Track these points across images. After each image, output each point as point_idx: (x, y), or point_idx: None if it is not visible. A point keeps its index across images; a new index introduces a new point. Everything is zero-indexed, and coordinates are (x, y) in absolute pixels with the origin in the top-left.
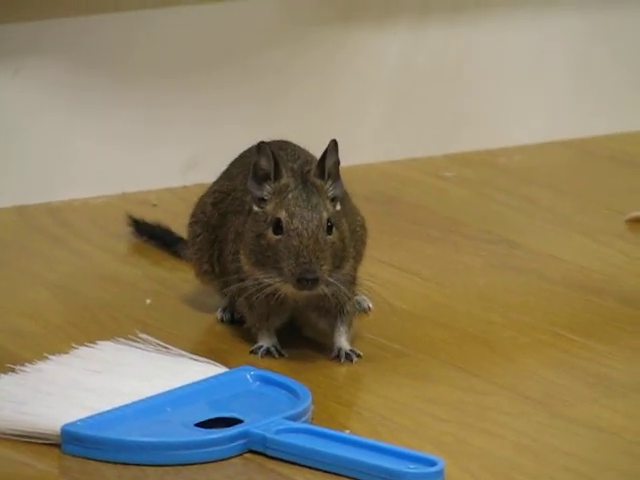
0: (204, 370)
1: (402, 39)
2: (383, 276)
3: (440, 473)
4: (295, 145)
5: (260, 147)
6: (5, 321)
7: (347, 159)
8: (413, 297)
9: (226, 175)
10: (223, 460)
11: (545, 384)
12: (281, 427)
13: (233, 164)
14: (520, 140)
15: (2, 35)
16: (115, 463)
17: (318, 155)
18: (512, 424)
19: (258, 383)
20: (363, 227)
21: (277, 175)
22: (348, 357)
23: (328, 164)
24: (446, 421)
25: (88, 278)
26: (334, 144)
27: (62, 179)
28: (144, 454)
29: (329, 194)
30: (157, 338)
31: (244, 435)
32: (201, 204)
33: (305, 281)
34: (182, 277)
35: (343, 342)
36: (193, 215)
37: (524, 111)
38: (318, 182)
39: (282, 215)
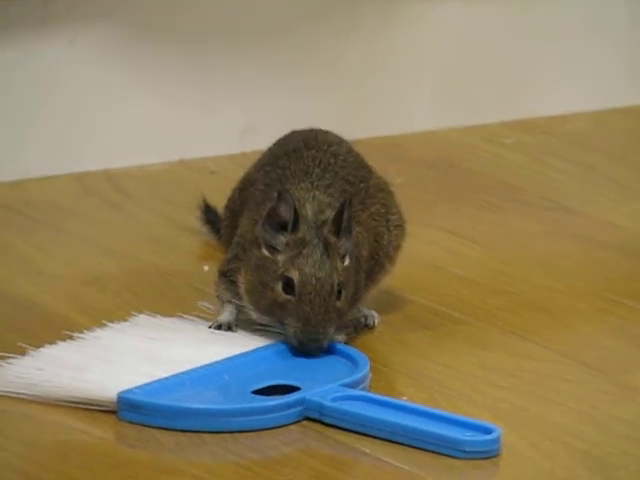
0: (261, 338)
1: (459, 6)
2: (441, 242)
3: (497, 440)
4: (324, 134)
5: (281, 194)
6: (63, 288)
7: (405, 126)
8: (471, 264)
9: (258, 162)
10: (280, 427)
11: (603, 351)
12: (338, 394)
13: (266, 152)
14: (578, 107)
15: (57, 6)
16: (172, 430)
17: (351, 134)
18: (570, 391)
19: None
20: (397, 237)
21: (294, 228)
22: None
23: (344, 220)
24: (504, 388)
25: (146, 245)
26: (346, 200)
27: (120, 146)
28: (202, 421)
29: (341, 251)
30: (214, 304)
31: (301, 402)
32: (234, 188)
33: (309, 347)
34: None
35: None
36: (227, 198)
37: (582, 78)
38: (332, 239)
39: (295, 276)
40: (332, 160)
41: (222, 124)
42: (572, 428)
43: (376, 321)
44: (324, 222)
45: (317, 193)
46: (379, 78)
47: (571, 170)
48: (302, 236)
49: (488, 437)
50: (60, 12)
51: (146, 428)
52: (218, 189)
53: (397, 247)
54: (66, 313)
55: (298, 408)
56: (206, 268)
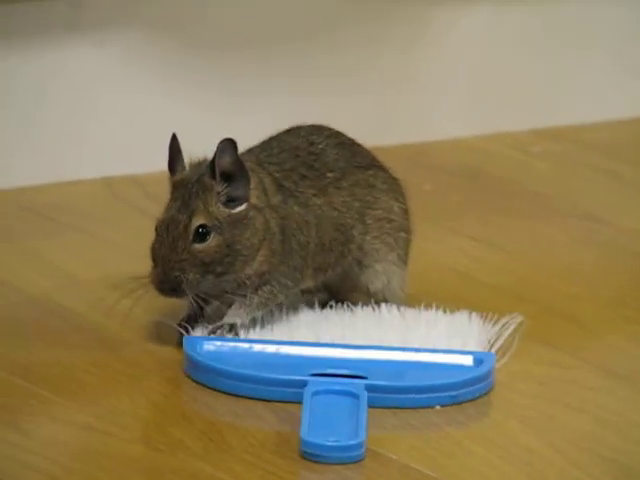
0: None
1: (488, 15)
2: (467, 249)
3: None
4: (323, 129)
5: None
6: (92, 292)
7: (434, 133)
8: (497, 271)
9: None
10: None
11: (630, 359)
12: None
13: None
14: (606, 116)
15: (88, 7)
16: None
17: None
18: (596, 399)
19: None
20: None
21: (171, 169)
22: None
23: (221, 164)
24: (530, 396)
25: None
26: (225, 144)
27: (147, 151)
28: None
29: (221, 197)
30: None
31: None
32: None
33: (162, 291)
34: None
35: (225, 318)
36: None
37: (611, 87)
38: (208, 183)
39: (157, 219)
40: (300, 144)
41: (247, 130)
42: (598, 436)
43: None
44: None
45: (255, 162)
46: (408, 85)
47: (598, 178)
48: (181, 178)
49: None
50: (89, 17)
51: (172, 432)
52: None
53: (381, 245)
54: (95, 318)
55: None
56: None
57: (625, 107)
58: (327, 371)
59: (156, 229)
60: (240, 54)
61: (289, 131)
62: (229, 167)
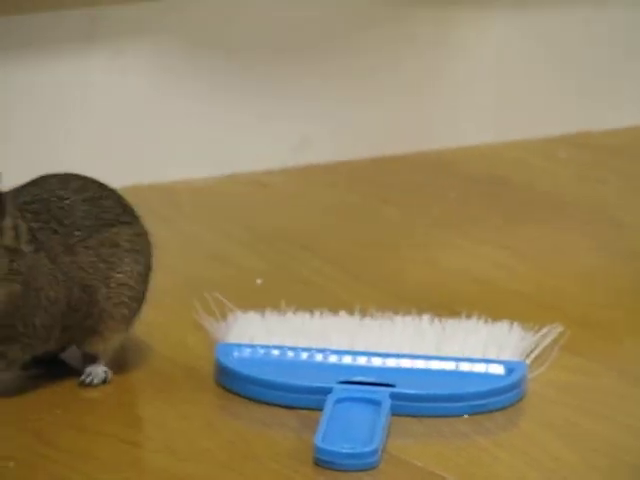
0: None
1: (510, 19)
2: (491, 257)
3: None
4: (77, 183)
5: None
6: None
7: (457, 140)
8: (520, 278)
9: None
10: None
11: None
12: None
13: None
14: (632, 121)
15: (103, 18)
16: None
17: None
18: (621, 406)
19: None
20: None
21: None
22: None
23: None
24: (555, 403)
25: (197, 259)
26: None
27: (172, 159)
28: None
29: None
30: None
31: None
32: None
33: None
34: (292, 255)
35: None
36: None
37: (637, 92)
38: None
39: None
40: (50, 198)
41: (274, 137)
42: (623, 443)
43: (95, 380)
44: None
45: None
46: (432, 91)
47: (623, 185)
48: None
49: None
50: (107, 27)
51: (198, 441)
52: (270, 203)
53: (124, 310)
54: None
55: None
56: (259, 281)
57: None
58: (354, 378)
59: None
60: (260, 60)
61: (36, 182)
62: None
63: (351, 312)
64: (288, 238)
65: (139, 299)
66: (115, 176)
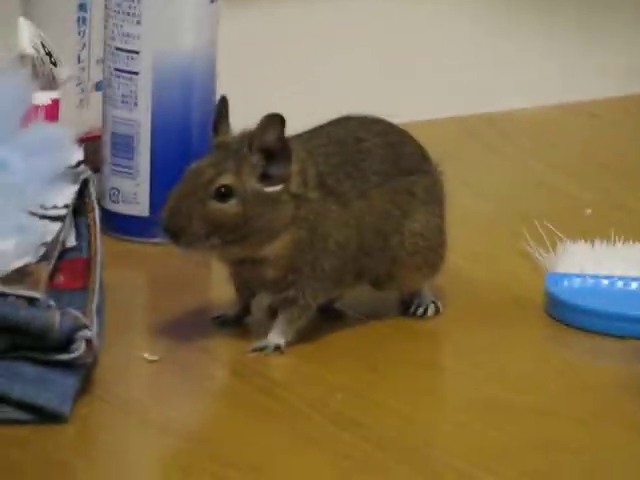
0: None
1: None
2: None
3: None
4: (376, 123)
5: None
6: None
7: None
8: None
9: None
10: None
11: None
12: None
13: None
14: None
15: None
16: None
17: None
18: None
19: None
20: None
21: (215, 131)
22: (268, 349)
23: (262, 139)
24: None
25: (527, 189)
26: (271, 118)
27: (503, 90)
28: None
29: (256, 170)
30: None
31: None
32: None
33: (166, 230)
34: (620, 185)
35: (270, 336)
36: None
37: None
38: (246, 152)
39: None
40: (348, 140)
41: (604, 65)
42: None
43: (424, 310)
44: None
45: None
46: None
47: None
48: (222, 140)
49: None
50: None
51: (528, 371)
52: (599, 134)
53: (418, 259)
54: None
55: None
56: (588, 211)
57: None
58: None
59: (183, 174)
60: None
61: (338, 122)
62: (271, 144)
63: None
64: (616, 168)
65: (435, 249)
66: (450, 104)
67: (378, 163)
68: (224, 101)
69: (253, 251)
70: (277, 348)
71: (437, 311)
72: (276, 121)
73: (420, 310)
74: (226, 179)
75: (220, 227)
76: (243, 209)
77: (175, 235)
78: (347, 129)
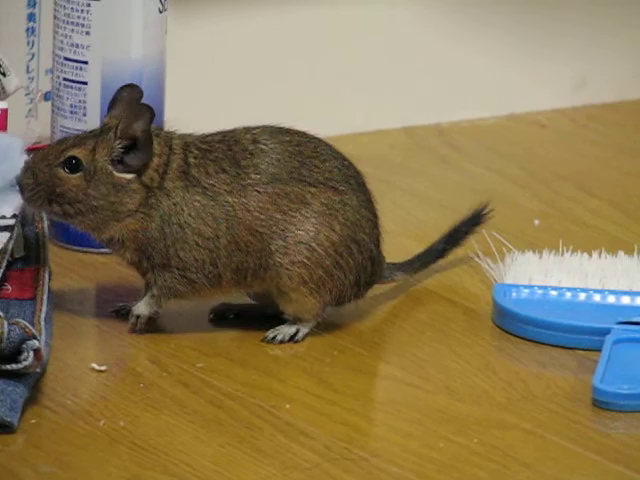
0: None
1: None
2: None
3: None
4: (291, 137)
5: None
6: (393, 243)
7: None
8: None
9: None
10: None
11: None
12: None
13: None
14: None
15: None
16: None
17: None
18: None
19: None
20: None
21: (108, 111)
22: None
23: (128, 125)
24: None
25: (476, 199)
26: (143, 110)
27: (450, 100)
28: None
29: (113, 153)
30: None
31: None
32: None
33: (18, 182)
34: (569, 195)
35: (139, 305)
36: None
37: None
38: (110, 135)
39: None
40: (243, 140)
41: (554, 77)
42: None
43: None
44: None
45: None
46: None
47: None
48: (105, 122)
49: None
50: None
51: (476, 382)
52: (548, 143)
53: (302, 271)
54: None
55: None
56: (537, 222)
57: None
58: (634, 319)
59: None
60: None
61: (256, 127)
62: (135, 133)
63: (630, 252)
64: (565, 178)
65: (324, 266)
66: (397, 115)
67: (267, 165)
68: (127, 89)
69: (95, 230)
70: (137, 318)
71: (292, 338)
72: (145, 113)
73: (270, 335)
74: (78, 152)
75: (61, 195)
76: (86, 184)
77: (21, 188)
78: (253, 133)
